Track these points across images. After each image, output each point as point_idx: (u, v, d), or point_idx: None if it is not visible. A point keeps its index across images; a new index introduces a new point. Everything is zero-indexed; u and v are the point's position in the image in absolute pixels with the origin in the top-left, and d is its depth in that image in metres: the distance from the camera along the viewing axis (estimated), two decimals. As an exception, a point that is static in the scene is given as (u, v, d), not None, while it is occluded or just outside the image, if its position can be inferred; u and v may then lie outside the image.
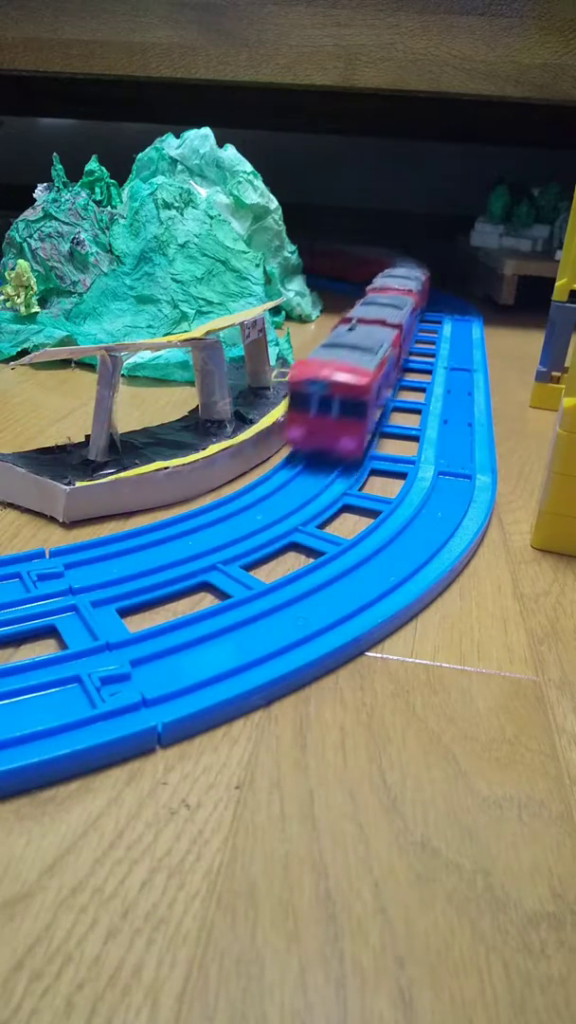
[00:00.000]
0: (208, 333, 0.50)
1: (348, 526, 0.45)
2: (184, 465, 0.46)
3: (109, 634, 0.32)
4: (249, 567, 0.39)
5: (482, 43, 0.85)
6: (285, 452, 0.55)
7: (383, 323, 0.63)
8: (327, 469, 0.51)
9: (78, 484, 0.42)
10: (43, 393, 0.66)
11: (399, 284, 0.81)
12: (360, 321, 0.62)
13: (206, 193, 0.85)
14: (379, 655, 0.34)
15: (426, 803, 0.26)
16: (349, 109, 1.34)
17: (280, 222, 0.94)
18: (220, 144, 0.88)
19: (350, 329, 0.59)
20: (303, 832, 0.25)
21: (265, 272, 0.85)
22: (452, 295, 1.20)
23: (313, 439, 0.50)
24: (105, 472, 0.44)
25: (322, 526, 0.44)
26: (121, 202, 0.82)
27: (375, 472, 0.52)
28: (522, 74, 0.86)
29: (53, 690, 0.29)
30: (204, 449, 0.49)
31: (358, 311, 0.67)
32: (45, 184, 0.81)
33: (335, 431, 0.49)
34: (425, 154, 1.80)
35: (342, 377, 0.48)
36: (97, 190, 0.81)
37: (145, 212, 0.78)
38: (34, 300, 0.77)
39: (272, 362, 0.68)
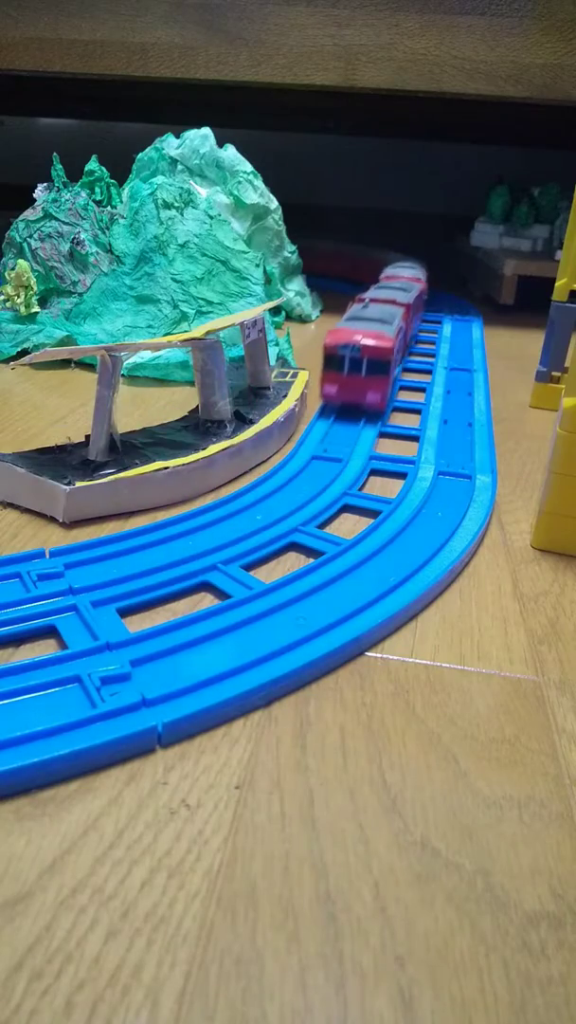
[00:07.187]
0: (208, 333, 0.51)
1: (348, 526, 0.45)
2: (184, 465, 0.46)
3: (109, 634, 0.32)
4: (249, 567, 0.39)
5: (482, 43, 0.85)
6: (285, 452, 0.55)
7: (393, 302, 0.72)
8: (328, 468, 0.51)
9: (78, 484, 0.42)
10: (43, 393, 0.66)
11: (407, 273, 0.92)
12: (372, 300, 0.71)
13: (206, 193, 0.85)
14: (379, 655, 0.34)
15: (426, 803, 0.26)
16: (349, 109, 1.34)
17: (280, 222, 0.94)
18: (220, 144, 0.88)
19: (364, 307, 0.68)
20: (303, 832, 0.25)
21: (265, 272, 0.85)
22: (452, 295, 1.20)
23: (345, 394, 0.60)
24: (105, 472, 0.44)
25: (322, 526, 0.44)
26: (121, 202, 0.82)
27: (375, 472, 0.52)
28: (522, 74, 0.86)
29: (53, 690, 0.29)
30: (204, 449, 0.49)
31: (371, 292, 0.76)
32: (45, 184, 0.81)
33: (363, 387, 0.59)
34: (425, 154, 1.80)
35: (370, 341, 0.58)
36: (97, 190, 0.81)
37: (145, 212, 0.78)
38: (34, 300, 0.77)
39: (272, 362, 0.68)
